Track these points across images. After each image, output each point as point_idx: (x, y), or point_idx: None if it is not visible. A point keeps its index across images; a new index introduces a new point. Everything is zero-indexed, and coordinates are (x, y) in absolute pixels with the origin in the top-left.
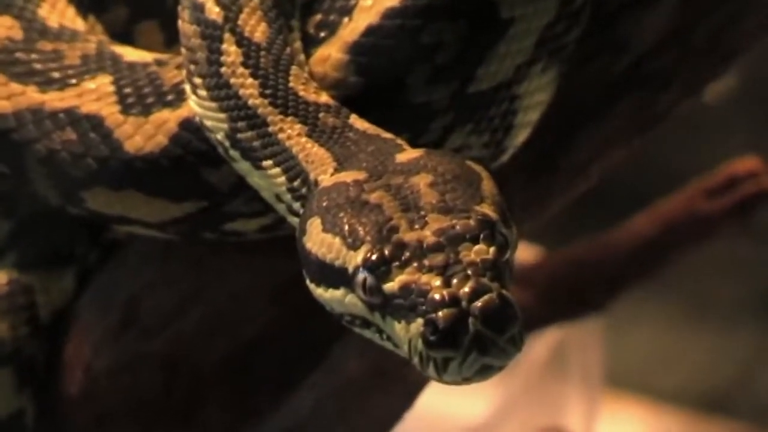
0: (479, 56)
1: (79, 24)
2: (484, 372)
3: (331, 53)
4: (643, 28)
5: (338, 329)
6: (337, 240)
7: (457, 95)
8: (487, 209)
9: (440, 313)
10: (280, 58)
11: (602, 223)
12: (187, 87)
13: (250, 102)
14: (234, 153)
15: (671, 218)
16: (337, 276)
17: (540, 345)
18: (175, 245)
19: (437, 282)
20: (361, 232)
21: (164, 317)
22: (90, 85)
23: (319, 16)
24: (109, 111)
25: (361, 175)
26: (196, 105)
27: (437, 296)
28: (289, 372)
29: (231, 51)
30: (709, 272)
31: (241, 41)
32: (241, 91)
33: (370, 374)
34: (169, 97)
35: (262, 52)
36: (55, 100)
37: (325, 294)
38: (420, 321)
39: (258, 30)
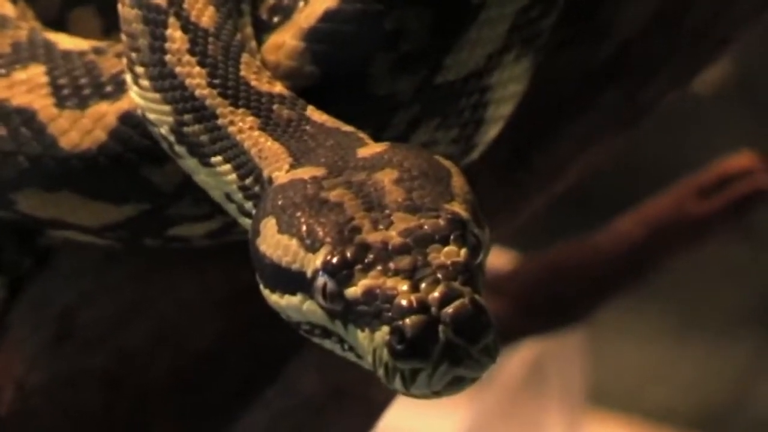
0: (447, 44)
1: (8, 9)
2: (455, 384)
3: (286, 40)
4: (627, 13)
5: (294, 343)
6: (294, 242)
7: (423, 86)
8: (457, 208)
9: (407, 321)
10: (230, 45)
11: (583, 226)
12: (128, 77)
13: (198, 93)
14: (180, 149)
15: (659, 220)
16: (294, 281)
17: (516, 359)
18: (115, 252)
19: (404, 287)
20: (321, 233)
21: (104, 329)
22: (21, 75)
23: (272, 0)
24: (42, 104)
25: (319, 172)
26: (138, 96)
27: (404, 302)
28: (241, 389)
29: (176, 37)
30: (702, 279)
31: (187, 26)
32: (188, 81)
33: (329, 392)
34: (108, 89)
35: (210, 39)
36: None
37: (280, 301)
38: (385, 329)
39: (205, 14)
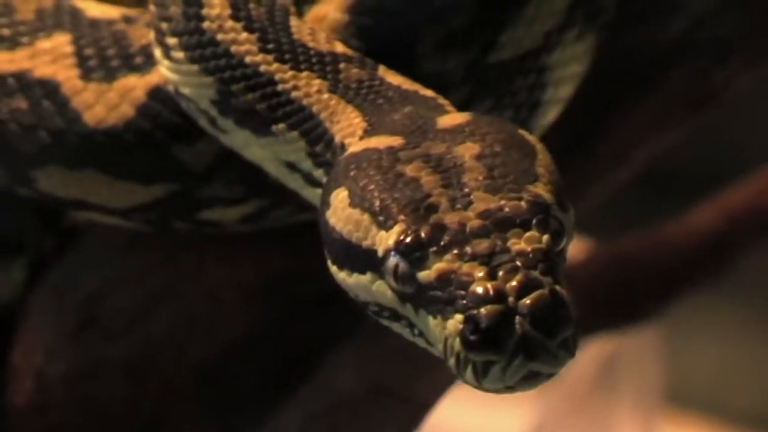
0: (502, 19)
1: None
2: (530, 379)
3: (329, 12)
4: None
5: (331, 338)
6: (366, 217)
7: (476, 65)
8: (541, 189)
9: (483, 310)
10: (273, 9)
11: (657, 215)
12: (158, 51)
13: (248, 59)
14: (225, 122)
15: (738, 211)
16: (364, 259)
17: (587, 356)
18: (142, 235)
19: (481, 273)
20: (395, 210)
21: (129, 318)
22: (45, 44)
23: None
24: (67, 75)
25: (396, 141)
26: (169, 71)
27: (480, 290)
28: (273, 385)
29: (215, 3)
30: None
31: None
32: (234, 48)
33: (369, 391)
34: (137, 61)
35: (252, 4)
36: (2, 62)
37: (348, 279)
38: (459, 317)
39: None
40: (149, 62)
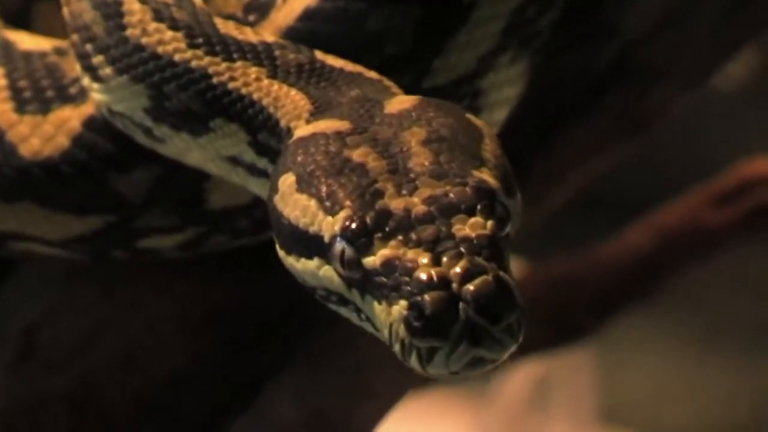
0: (436, 45)
1: None
2: (475, 365)
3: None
4: (633, 10)
5: (269, 367)
6: (313, 203)
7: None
8: (486, 175)
9: (427, 296)
10: (196, 11)
11: (591, 234)
12: (86, 79)
13: (177, 57)
14: (161, 130)
15: (672, 229)
16: (311, 244)
17: (520, 375)
18: (81, 265)
19: (425, 259)
20: (341, 195)
21: (69, 350)
22: None
23: None
24: (1, 109)
25: (343, 126)
26: (100, 93)
27: (424, 276)
28: (213, 415)
29: (135, 9)
30: (724, 289)
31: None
32: (161, 49)
33: (308, 420)
34: (71, 91)
35: (173, 8)
36: None
37: (296, 264)
38: (403, 303)
39: None
40: (83, 93)
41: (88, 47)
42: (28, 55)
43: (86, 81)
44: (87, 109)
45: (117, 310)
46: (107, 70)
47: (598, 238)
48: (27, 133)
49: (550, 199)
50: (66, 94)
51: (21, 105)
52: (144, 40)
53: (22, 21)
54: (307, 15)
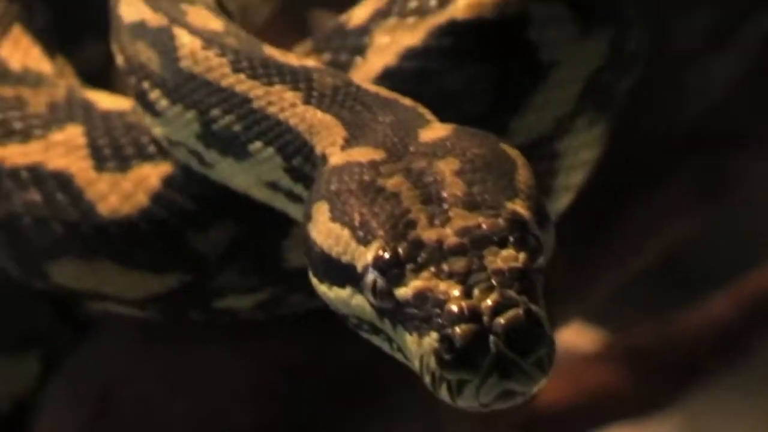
0: (514, 105)
1: (45, 66)
2: (505, 398)
3: None
4: (713, 76)
5: (347, 425)
6: (346, 232)
7: None
8: (519, 206)
9: (457, 329)
10: (245, 38)
11: (672, 303)
12: (147, 117)
13: (224, 83)
14: (211, 155)
15: (755, 298)
16: (343, 273)
17: None
18: (157, 326)
19: (456, 291)
20: (374, 225)
21: (145, 410)
22: (58, 137)
23: (327, 55)
24: (80, 167)
25: (378, 155)
26: (159, 126)
27: (455, 308)
28: None
29: (186, 42)
30: None
31: (195, 31)
32: (209, 76)
33: None
34: (150, 150)
35: (222, 36)
36: (16, 154)
37: (329, 292)
38: (434, 335)
39: (210, 23)
40: (162, 151)
41: (145, 85)
42: (107, 115)
43: (147, 120)
44: (166, 167)
45: (192, 370)
46: (163, 103)
47: (680, 307)
48: (106, 191)
49: (629, 265)
50: (145, 152)
51: (100, 163)
52: (195, 70)
53: (102, 81)
54: (387, 74)
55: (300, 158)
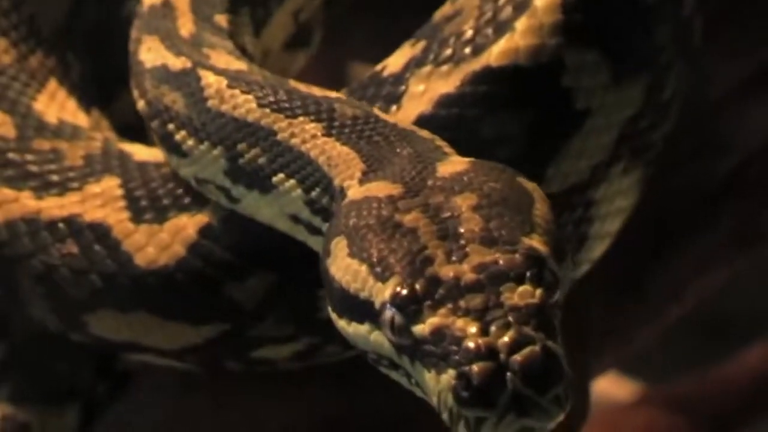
0: (549, 153)
1: (81, 119)
2: None
3: None
4: (749, 126)
5: None
6: (364, 268)
7: None
8: (536, 242)
9: (475, 367)
10: (269, 75)
11: (710, 355)
12: (173, 159)
13: (250, 118)
14: (238, 189)
15: None
16: (362, 309)
17: None
18: (194, 378)
19: (473, 329)
20: (392, 262)
21: None
22: (95, 189)
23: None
24: (117, 219)
25: (396, 190)
26: (186, 167)
27: (472, 345)
28: None
29: (211, 82)
30: None
31: (220, 71)
32: (237, 113)
33: None
34: (186, 200)
35: (245, 74)
36: (53, 207)
37: (348, 328)
38: (452, 372)
39: (233, 64)
40: (199, 201)
41: (170, 127)
42: (143, 166)
43: (174, 161)
44: (203, 218)
45: (228, 422)
46: (190, 142)
47: (717, 358)
48: (143, 243)
49: (665, 316)
50: (181, 203)
51: (137, 215)
52: (223, 108)
53: (137, 133)
54: (421, 122)
55: (319, 191)
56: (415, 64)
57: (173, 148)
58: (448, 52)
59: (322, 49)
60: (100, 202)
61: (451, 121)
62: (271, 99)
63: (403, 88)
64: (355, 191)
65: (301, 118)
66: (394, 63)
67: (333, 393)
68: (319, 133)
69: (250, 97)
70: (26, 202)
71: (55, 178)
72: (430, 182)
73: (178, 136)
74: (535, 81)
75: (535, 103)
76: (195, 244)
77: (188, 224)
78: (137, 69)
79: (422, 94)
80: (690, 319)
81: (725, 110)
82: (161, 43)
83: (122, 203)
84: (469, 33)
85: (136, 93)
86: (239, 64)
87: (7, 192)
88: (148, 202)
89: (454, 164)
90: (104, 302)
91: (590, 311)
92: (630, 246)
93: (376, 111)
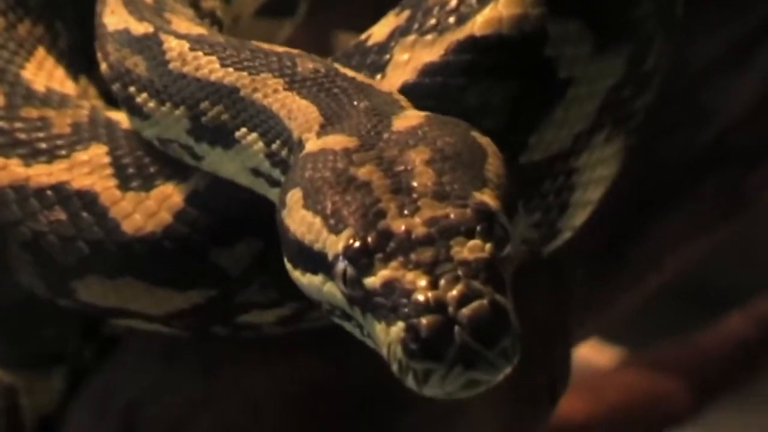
0: (532, 122)
1: (69, 87)
2: (469, 387)
3: None
4: (730, 96)
5: None
6: (318, 220)
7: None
8: (487, 197)
9: (423, 319)
10: (231, 38)
11: (691, 322)
12: (134, 120)
13: (213, 77)
14: (202, 147)
15: None
16: (315, 260)
17: None
18: (181, 342)
19: (423, 282)
20: (345, 214)
21: (168, 426)
22: (82, 156)
23: None
24: (105, 186)
25: (351, 142)
26: (148, 127)
27: (421, 298)
28: None
29: (173, 45)
30: None
31: (181, 35)
32: (199, 73)
33: None
34: (173, 168)
35: (207, 38)
36: (41, 174)
37: (302, 278)
38: (401, 325)
39: (194, 29)
40: (185, 169)
41: (131, 90)
42: (130, 134)
43: (136, 123)
44: (189, 186)
45: (216, 387)
46: (151, 104)
47: (698, 326)
48: (130, 210)
49: (646, 284)
50: (168, 171)
51: (124, 182)
52: (185, 69)
53: None
54: (406, 90)
55: (279, 143)
56: (399, 33)
57: (134, 109)
58: (433, 21)
59: (307, 19)
60: (87, 169)
61: (435, 90)
62: (235, 59)
63: (387, 57)
64: (312, 144)
65: (263, 75)
66: (378, 32)
67: (320, 358)
68: (280, 88)
69: (213, 57)
70: (14, 169)
71: (43, 145)
72: (385, 136)
73: (139, 99)
74: (519, 50)
75: (518, 72)
76: (181, 211)
77: (175, 192)
78: (100, 31)
79: (407, 63)
80: (672, 287)
81: (707, 80)
82: (124, 7)
83: (109, 171)
84: (453, 2)
85: (99, 55)
86: (200, 29)
87: None
88: (135, 170)
89: (409, 118)
90: (92, 269)
91: (572, 278)
92: (612, 215)
93: (336, 65)
